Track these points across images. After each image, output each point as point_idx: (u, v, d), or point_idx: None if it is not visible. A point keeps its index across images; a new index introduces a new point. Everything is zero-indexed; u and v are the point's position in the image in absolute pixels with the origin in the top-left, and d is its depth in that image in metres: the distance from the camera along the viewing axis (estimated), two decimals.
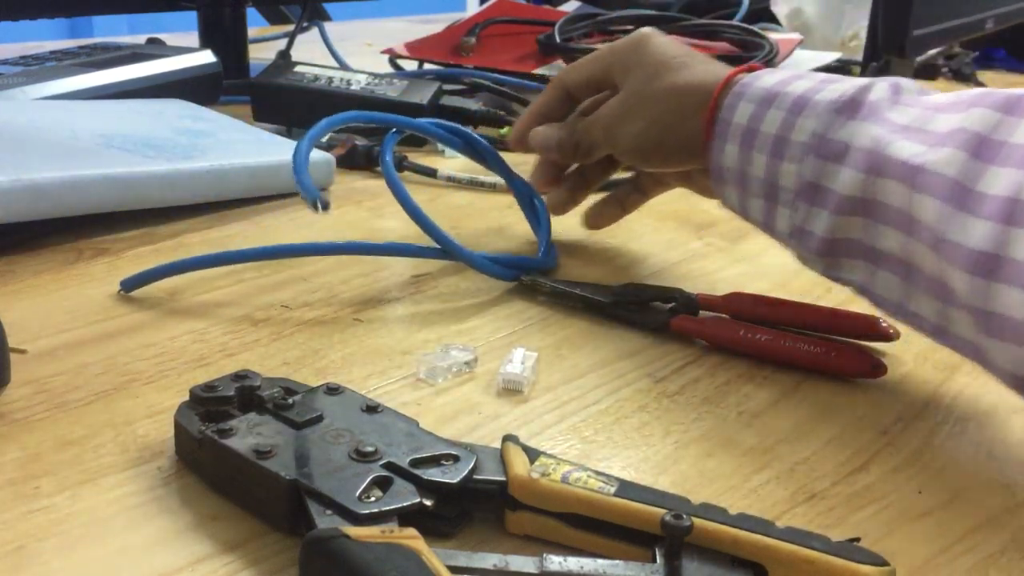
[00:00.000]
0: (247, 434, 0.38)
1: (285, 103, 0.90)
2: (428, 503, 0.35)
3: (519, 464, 0.36)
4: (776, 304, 0.55)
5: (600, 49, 0.60)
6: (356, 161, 0.81)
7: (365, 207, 0.72)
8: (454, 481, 0.36)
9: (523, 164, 0.82)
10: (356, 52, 1.24)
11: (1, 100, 0.79)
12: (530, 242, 0.64)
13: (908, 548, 0.36)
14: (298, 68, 0.93)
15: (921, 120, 0.43)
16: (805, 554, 0.33)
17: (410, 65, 1.11)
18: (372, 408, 0.40)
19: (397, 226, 0.66)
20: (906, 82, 0.47)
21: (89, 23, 2.55)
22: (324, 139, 0.80)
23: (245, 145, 0.76)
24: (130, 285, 0.55)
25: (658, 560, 0.33)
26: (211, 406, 0.40)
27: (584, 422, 0.44)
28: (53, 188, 0.60)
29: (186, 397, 0.41)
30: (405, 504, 0.34)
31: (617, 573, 0.33)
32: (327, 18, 1.44)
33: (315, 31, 1.27)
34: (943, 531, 0.38)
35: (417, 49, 1.11)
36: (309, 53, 1.13)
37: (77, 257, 0.61)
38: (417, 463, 0.36)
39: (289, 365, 0.48)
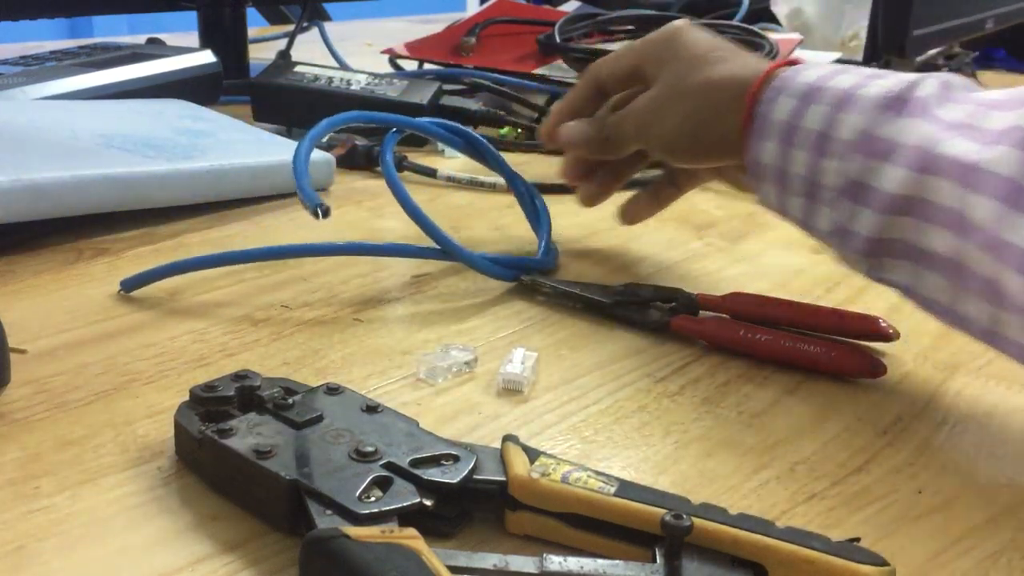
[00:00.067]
0: (247, 434, 0.38)
1: (285, 103, 0.90)
2: (428, 503, 0.35)
3: (519, 464, 0.36)
4: (776, 304, 0.55)
5: (632, 42, 0.58)
6: (356, 161, 0.81)
7: (365, 207, 0.72)
8: (454, 481, 0.36)
9: (523, 164, 0.82)
10: (356, 52, 1.24)
11: (1, 100, 0.79)
12: (530, 242, 0.64)
13: (908, 548, 0.36)
14: (298, 68, 0.93)
15: (973, 117, 0.42)
16: (805, 554, 0.33)
17: (410, 65, 1.11)
18: (372, 408, 0.40)
19: (397, 226, 0.66)
20: (955, 78, 0.46)
21: (89, 23, 2.56)
22: (324, 139, 0.80)
23: (245, 145, 0.76)
24: (130, 285, 0.55)
25: (658, 560, 0.33)
26: (211, 406, 0.40)
27: (584, 422, 0.44)
28: (53, 188, 0.60)
29: (186, 397, 0.41)
30: (405, 504, 0.34)
31: (617, 573, 0.33)
32: (327, 18, 1.44)
33: (315, 31, 1.27)
34: (943, 531, 0.38)
35: (417, 49, 1.11)
36: (309, 53, 1.13)
37: (77, 257, 0.61)
38: (417, 463, 0.36)
39: (289, 365, 0.48)
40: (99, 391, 0.45)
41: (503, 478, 0.36)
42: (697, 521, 0.33)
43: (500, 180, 0.67)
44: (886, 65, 1.06)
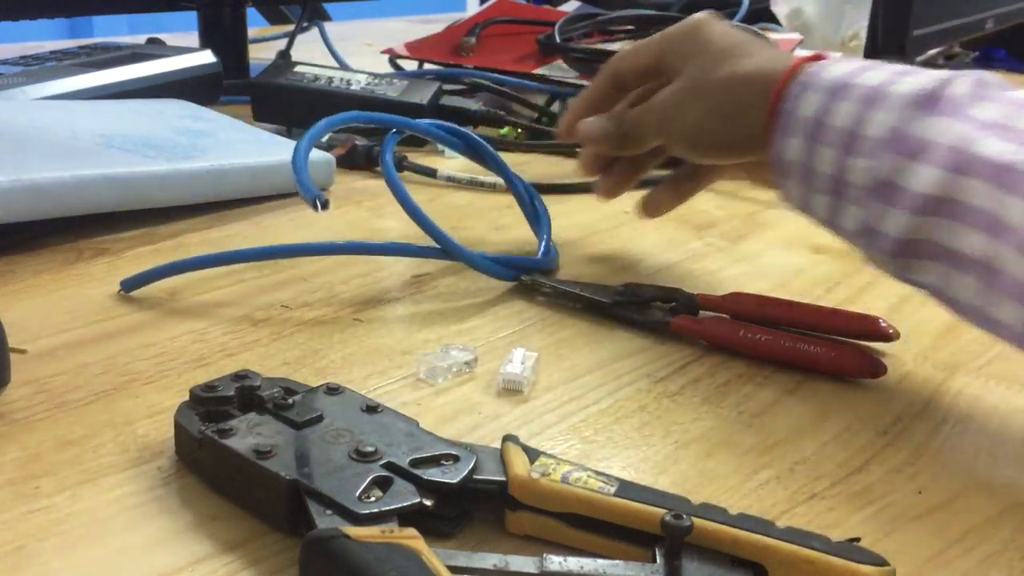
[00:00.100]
0: (247, 434, 0.38)
1: (285, 103, 0.90)
2: (428, 503, 0.35)
3: (519, 464, 0.36)
4: (776, 304, 0.55)
5: (653, 36, 0.57)
6: (356, 161, 0.81)
7: (365, 207, 0.72)
8: (454, 481, 0.36)
9: (523, 164, 0.82)
10: (356, 52, 1.24)
11: (1, 100, 0.79)
12: (530, 242, 0.64)
13: (908, 548, 0.36)
14: (298, 68, 0.93)
15: (1008, 117, 0.42)
16: (805, 554, 0.33)
17: (410, 65, 1.11)
18: (372, 408, 0.40)
19: (397, 226, 0.66)
20: (989, 76, 0.45)
21: (89, 23, 2.56)
22: (324, 139, 0.80)
23: (245, 145, 0.76)
24: (130, 285, 0.55)
25: (658, 560, 0.33)
26: (211, 406, 0.40)
27: (584, 422, 0.44)
28: (53, 188, 0.60)
29: (186, 397, 0.41)
30: (405, 504, 0.34)
31: (617, 573, 0.33)
32: (327, 18, 1.44)
33: (315, 31, 1.27)
34: (943, 531, 0.38)
35: (417, 49, 1.11)
36: (309, 53, 1.13)
37: (77, 257, 0.61)
38: (417, 463, 0.36)
39: (289, 365, 0.48)
40: (99, 391, 0.45)
41: (503, 478, 0.36)
42: (697, 521, 0.33)
43: (500, 180, 0.67)
44: None
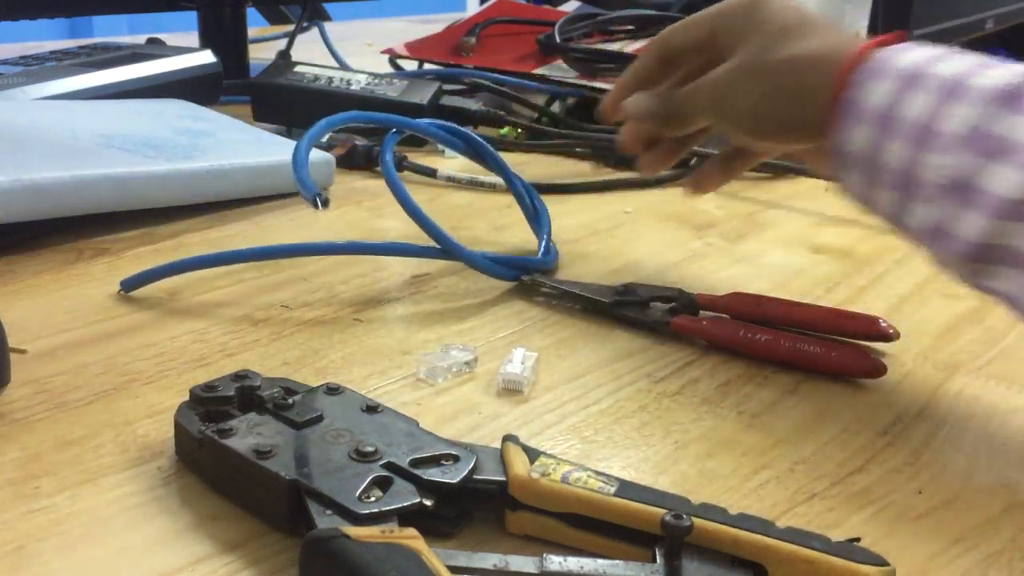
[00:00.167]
0: (247, 434, 0.38)
1: (285, 103, 0.91)
2: (428, 503, 0.35)
3: (519, 464, 0.36)
4: (776, 304, 0.55)
5: (706, 10, 0.54)
6: (356, 161, 0.81)
7: (365, 207, 0.72)
8: (454, 481, 0.36)
9: (523, 164, 0.82)
10: (356, 52, 1.24)
11: (1, 100, 0.79)
12: (530, 242, 0.64)
13: (908, 548, 0.36)
14: (298, 68, 0.93)
15: None
16: (805, 554, 0.33)
17: (410, 65, 1.11)
18: (372, 408, 0.40)
19: (397, 226, 0.66)
20: None
21: (89, 23, 2.55)
22: (324, 139, 0.80)
23: (245, 145, 0.76)
24: (130, 285, 0.55)
25: (658, 560, 0.33)
26: (211, 406, 0.40)
27: (584, 422, 0.44)
28: (53, 188, 0.60)
29: (186, 397, 0.41)
30: (405, 504, 0.34)
31: (617, 573, 0.33)
32: (327, 18, 1.44)
33: (315, 31, 1.27)
34: (943, 531, 0.38)
35: (417, 49, 1.11)
36: (309, 53, 1.13)
37: (77, 257, 0.61)
38: (417, 463, 0.36)
39: (289, 365, 0.48)
40: (99, 391, 0.45)
41: (503, 478, 0.36)
42: (697, 521, 0.33)
43: (500, 180, 0.67)
44: None
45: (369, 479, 0.35)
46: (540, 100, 0.98)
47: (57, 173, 0.61)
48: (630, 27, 1.07)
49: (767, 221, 0.72)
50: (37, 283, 0.57)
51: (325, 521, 0.33)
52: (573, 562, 0.33)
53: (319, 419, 0.39)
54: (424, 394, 0.46)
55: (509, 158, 0.68)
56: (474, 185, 0.78)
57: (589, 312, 0.55)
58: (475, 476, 0.36)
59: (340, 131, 0.82)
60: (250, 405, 0.40)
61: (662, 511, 0.33)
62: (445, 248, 0.57)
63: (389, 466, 0.36)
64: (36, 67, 0.91)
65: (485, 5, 1.22)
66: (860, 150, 0.45)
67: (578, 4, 1.37)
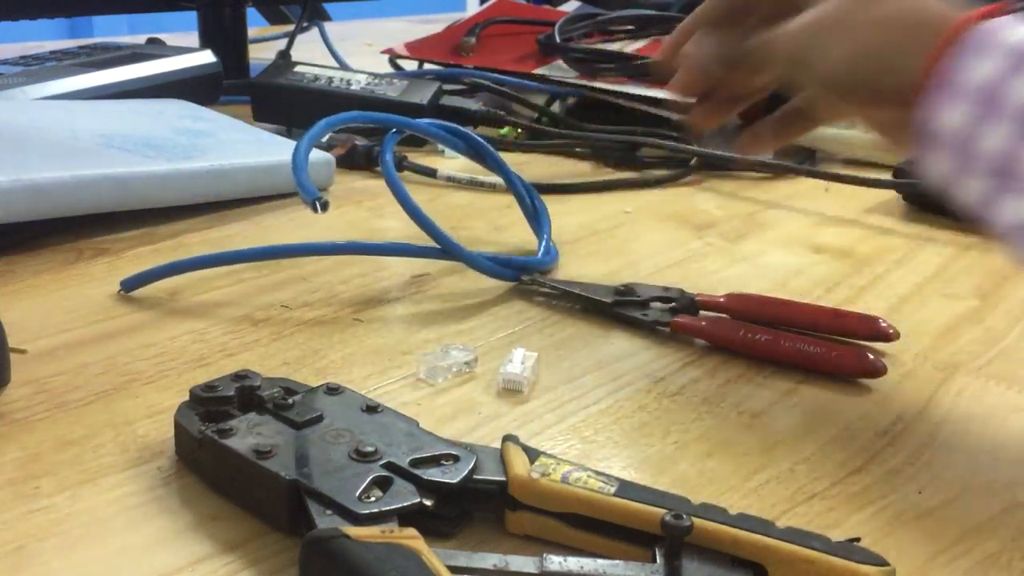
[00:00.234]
0: (247, 434, 0.38)
1: (285, 103, 0.90)
2: (428, 503, 0.35)
3: (519, 464, 0.36)
4: (776, 304, 0.55)
5: None
6: (356, 161, 0.81)
7: (365, 207, 0.72)
8: (454, 481, 0.36)
9: (523, 164, 0.82)
10: (356, 52, 1.24)
11: (1, 100, 0.79)
12: (530, 242, 0.64)
13: (908, 548, 0.36)
14: (298, 68, 0.93)
15: None
16: (805, 554, 0.33)
17: (410, 65, 1.11)
18: (372, 408, 0.40)
19: (397, 226, 0.66)
20: None
21: (89, 23, 2.55)
22: (324, 139, 0.80)
23: (245, 145, 0.76)
24: (130, 285, 0.55)
25: (658, 560, 0.33)
26: (211, 406, 0.40)
27: (584, 422, 0.44)
28: (53, 188, 0.60)
29: (186, 397, 0.41)
30: (405, 504, 0.34)
31: (617, 573, 0.33)
32: (327, 18, 1.44)
33: (315, 31, 1.27)
34: (943, 531, 0.38)
35: (417, 49, 1.11)
36: (309, 53, 1.13)
37: (77, 257, 0.61)
38: (417, 463, 0.36)
39: (289, 365, 0.48)
40: (99, 391, 0.45)
41: (503, 478, 0.36)
42: (697, 521, 0.33)
43: (500, 180, 0.67)
44: None
45: (369, 479, 0.35)
46: (540, 100, 0.98)
47: (57, 173, 0.61)
48: (630, 27, 1.07)
49: (767, 221, 0.72)
50: (37, 283, 0.57)
51: (325, 521, 0.33)
52: (573, 562, 0.33)
53: (319, 419, 0.39)
54: (424, 394, 0.46)
55: (509, 158, 0.68)
56: (474, 185, 0.78)
57: (589, 312, 0.55)
58: (475, 476, 0.36)
59: (340, 131, 0.82)
60: (250, 405, 0.40)
61: (662, 511, 0.33)
62: (445, 248, 0.57)
63: (389, 466, 0.36)
64: (36, 67, 0.91)
65: (485, 5, 1.22)
66: (953, 130, 0.41)
67: (578, 4, 1.37)
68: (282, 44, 1.18)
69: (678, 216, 0.72)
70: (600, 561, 0.33)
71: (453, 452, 0.37)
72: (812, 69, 0.46)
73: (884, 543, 0.36)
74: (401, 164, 0.79)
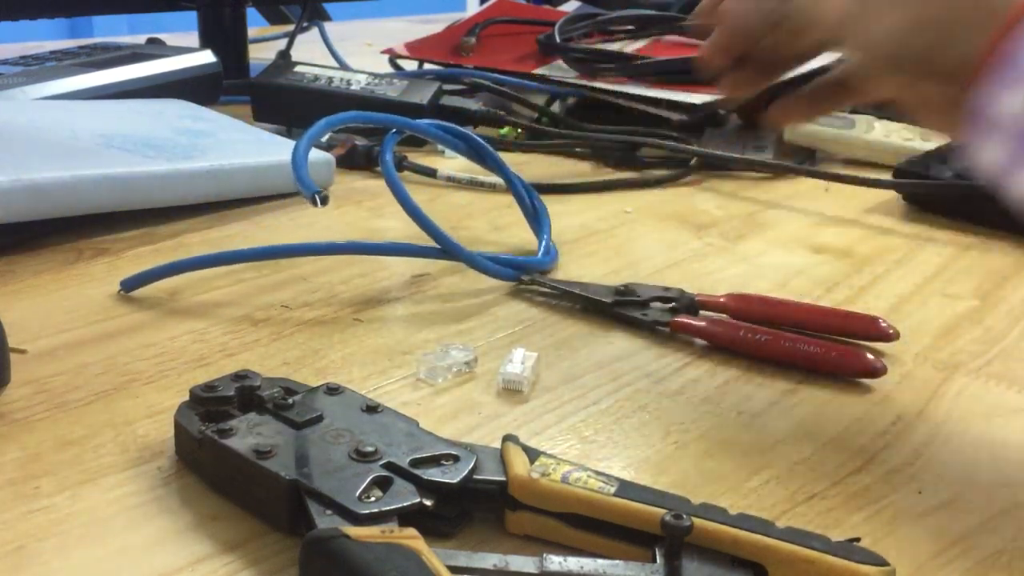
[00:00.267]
0: (247, 434, 0.38)
1: (285, 103, 0.90)
2: (428, 503, 0.35)
3: (519, 464, 0.36)
4: (776, 304, 0.55)
5: None
6: (356, 161, 0.81)
7: (365, 207, 0.72)
8: (454, 481, 0.36)
9: (523, 164, 0.82)
10: (356, 52, 1.24)
11: (1, 100, 0.79)
12: (530, 242, 0.64)
13: (908, 548, 0.36)
14: (298, 68, 0.93)
15: None
16: (805, 554, 0.33)
17: (410, 65, 1.11)
18: (372, 408, 0.40)
19: (397, 226, 0.66)
20: None
21: (89, 23, 2.55)
22: (324, 139, 0.80)
23: (245, 145, 0.76)
24: (130, 285, 0.55)
25: (658, 560, 0.33)
26: (211, 406, 0.40)
27: (584, 422, 0.44)
28: (53, 188, 0.60)
29: (186, 397, 0.41)
30: (405, 504, 0.34)
31: (617, 573, 0.33)
32: (327, 18, 1.44)
33: (315, 31, 1.27)
34: (943, 531, 0.38)
35: (417, 49, 1.10)
36: (309, 53, 1.13)
37: (77, 257, 0.61)
38: (417, 463, 0.36)
39: (289, 365, 0.48)
40: (99, 391, 0.45)
41: (503, 478, 0.36)
42: (697, 521, 0.33)
43: (500, 180, 0.67)
44: None
45: (369, 479, 0.35)
46: (540, 100, 0.98)
47: (57, 173, 0.61)
48: (630, 27, 1.07)
49: (767, 221, 0.72)
50: (37, 283, 0.57)
51: (325, 521, 0.33)
52: (573, 562, 0.33)
53: (319, 419, 0.39)
54: (424, 394, 0.46)
55: (509, 158, 0.68)
56: (474, 185, 0.78)
57: (589, 312, 0.55)
58: (475, 476, 0.36)
59: (340, 131, 0.82)
60: (250, 405, 0.40)
61: (662, 511, 0.33)
62: (445, 248, 0.57)
63: (389, 466, 0.36)
64: (36, 67, 0.91)
65: (485, 5, 1.22)
66: (1013, 117, 0.38)
67: (578, 4, 1.37)
68: (282, 44, 1.18)
69: (678, 216, 0.72)
70: (600, 561, 0.33)
71: (453, 452, 0.37)
72: (862, 35, 0.43)
73: (884, 543, 0.36)
74: (401, 164, 0.79)
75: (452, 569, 0.31)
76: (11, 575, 0.33)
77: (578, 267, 0.62)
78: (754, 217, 0.73)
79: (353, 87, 0.90)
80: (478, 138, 0.67)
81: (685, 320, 0.53)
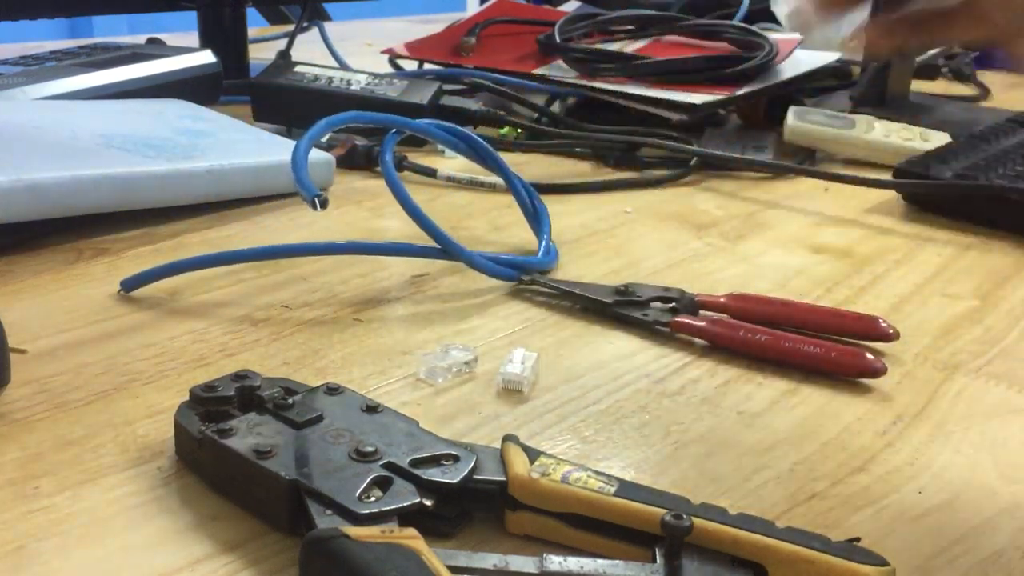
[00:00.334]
0: (247, 434, 0.38)
1: (285, 103, 0.90)
2: (428, 503, 0.35)
3: (519, 464, 0.36)
4: (776, 304, 0.55)
5: None
6: (356, 161, 0.81)
7: (365, 207, 0.72)
8: (454, 481, 0.36)
9: (523, 164, 0.82)
10: (356, 52, 1.24)
11: (1, 100, 0.79)
12: (530, 242, 0.64)
13: (908, 548, 0.36)
14: (298, 68, 0.93)
15: None
16: (805, 554, 0.33)
17: (410, 65, 1.11)
18: (372, 408, 0.40)
19: (397, 226, 0.66)
20: None
21: (89, 23, 2.55)
22: (324, 139, 0.80)
23: (245, 145, 0.76)
24: (130, 285, 0.55)
25: (658, 560, 0.33)
26: (211, 406, 0.40)
27: (584, 422, 0.44)
28: (53, 188, 0.60)
29: (186, 397, 0.41)
30: (405, 504, 0.34)
31: (617, 573, 0.33)
32: (327, 18, 1.44)
33: (315, 31, 1.27)
34: (943, 531, 0.38)
35: (417, 49, 1.10)
36: (309, 53, 1.13)
37: (77, 257, 0.61)
38: (417, 463, 0.36)
39: (289, 365, 0.48)
40: (99, 391, 0.45)
41: (503, 478, 0.36)
42: (697, 521, 0.33)
43: (500, 180, 0.67)
44: (887, 65, 1.06)
45: (369, 479, 0.35)
46: (540, 100, 0.98)
47: (57, 173, 0.61)
48: (630, 27, 1.07)
49: (767, 221, 0.72)
50: (37, 283, 0.57)
51: (325, 521, 0.33)
52: (573, 562, 0.33)
53: (319, 419, 0.39)
54: (424, 394, 0.46)
55: (509, 158, 0.68)
56: (474, 185, 0.78)
57: (589, 312, 0.55)
58: (475, 476, 0.36)
59: (340, 131, 0.82)
60: (250, 405, 0.40)
61: (662, 511, 0.33)
62: (445, 248, 0.57)
63: (389, 466, 0.36)
64: (36, 67, 0.90)
65: (485, 5, 1.22)
66: None
67: (578, 4, 1.37)
68: (282, 44, 1.18)
69: (678, 216, 0.72)
70: (600, 561, 0.33)
71: (453, 452, 0.37)
72: None
73: (884, 543, 0.36)
74: (401, 164, 0.79)
75: (452, 569, 0.31)
76: (11, 575, 0.33)
77: (578, 267, 0.62)
78: (754, 217, 0.73)
79: (353, 87, 0.90)
80: (478, 138, 0.67)
81: (685, 320, 0.53)
